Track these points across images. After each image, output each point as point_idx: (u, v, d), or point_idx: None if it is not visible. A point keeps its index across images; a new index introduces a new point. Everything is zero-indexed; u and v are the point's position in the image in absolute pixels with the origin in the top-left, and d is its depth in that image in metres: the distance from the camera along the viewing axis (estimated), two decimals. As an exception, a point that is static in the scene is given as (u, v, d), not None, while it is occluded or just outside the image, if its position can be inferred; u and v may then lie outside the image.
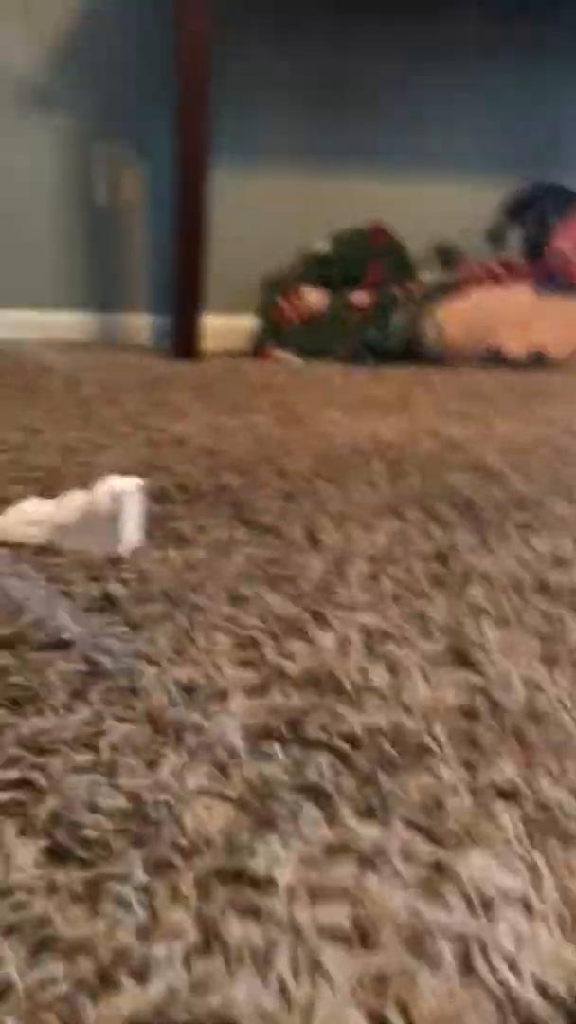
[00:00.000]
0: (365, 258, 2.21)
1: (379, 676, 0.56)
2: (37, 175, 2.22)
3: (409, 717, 0.51)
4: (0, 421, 1.29)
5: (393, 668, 0.57)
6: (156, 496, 0.93)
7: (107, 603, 0.66)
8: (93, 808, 0.41)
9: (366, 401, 1.59)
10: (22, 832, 0.40)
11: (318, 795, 0.43)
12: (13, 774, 0.44)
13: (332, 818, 0.41)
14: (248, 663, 0.57)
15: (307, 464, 1.10)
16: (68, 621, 0.62)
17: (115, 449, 1.14)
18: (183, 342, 2.08)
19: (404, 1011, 0.31)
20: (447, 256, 2.25)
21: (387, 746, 0.48)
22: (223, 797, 0.43)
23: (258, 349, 2.19)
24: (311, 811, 0.42)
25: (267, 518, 0.88)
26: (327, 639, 0.61)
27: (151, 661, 0.57)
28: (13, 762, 0.45)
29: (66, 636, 0.60)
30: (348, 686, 0.54)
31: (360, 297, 2.16)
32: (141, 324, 2.38)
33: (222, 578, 0.72)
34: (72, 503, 0.79)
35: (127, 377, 1.77)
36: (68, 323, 2.33)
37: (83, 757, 0.46)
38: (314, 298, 2.18)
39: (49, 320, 2.32)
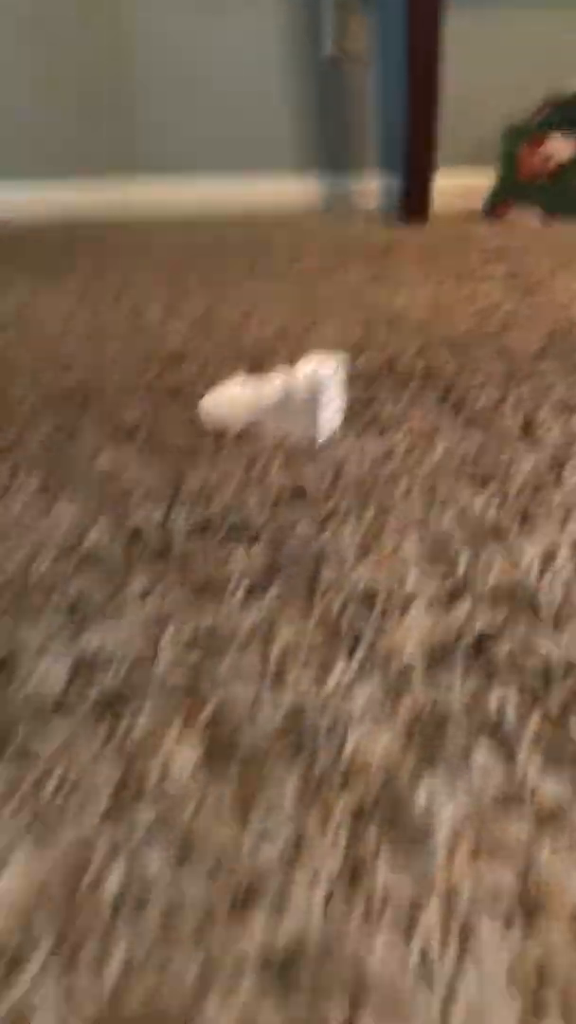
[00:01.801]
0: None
1: (586, 599, 0.49)
2: (262, 27, 2.11)
3: (616, 652, 0.44)
4: (220, 298, 1.28)
5: (604, 590, 0.50)
6: (362, 377, 0.88)
7: (297, 496, 0.63)
8: (253, 720, 0.40)
9: (612, 269, 1.40)
10: (180, 739, 0.39)
11: (497, 734, 0.39)
12: (183, 671, 0.43)
13: (510, 764, 0.37)
14: (436, 572, 0.52)
15: (534, 342, 0.99)
16: (256, 512, 0.60)
17: (328, 328, 1.09)
18: (412, 204, 1.94)
19: (569, 1007, 0.27)
20: None
21: (585, 684, 0.42)
22: (390, 723, 0.39)
23: (493, 208, 2.00)
24: (486, 752, 0.38)
25: (479, 405, 0.80)
26: (530, 551, 0.55)
27: (333, 560, 0.54)
28: (185, 653, 0.44)
29: (252, 529, 0.58)
30: (547, 609, 0.48)
31: (617, 145, 1.89)
32: (368, 186, 2.25)
33: (420, 473, 0.66)
34: (273, 385, 0.76)
35: (349, 247, 1.68)
36: (296, 189, 2.26)
37: (251, 660, 0.44)
38: (562, 147, 1.93)
39: (275, 186, 2.25)
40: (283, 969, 0.28)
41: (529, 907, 0.30)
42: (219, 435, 0.75)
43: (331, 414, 0.75)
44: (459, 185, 2.15)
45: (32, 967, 0.28)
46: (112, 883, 0.31)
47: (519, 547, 0.55)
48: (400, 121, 2.16)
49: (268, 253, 1.64)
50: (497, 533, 0.57)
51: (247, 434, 0.75)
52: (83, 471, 0.68)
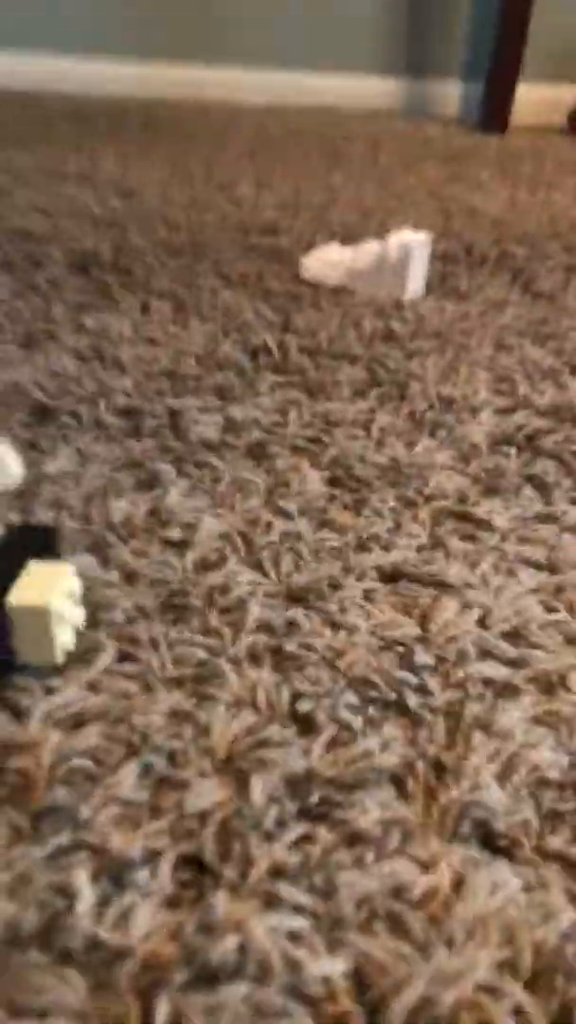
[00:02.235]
0: None
1: (617, 420, 0.63)
2: None
3: None
4: (305, 183, 1.38)
5: (632, 417, 0.64)
6: (442, 257, 1.00)
7: (388, 336, 0.77)
8: (362, 460, 0.55)
9: None
10: (313, 465, 0.54)
11: (539, 484, 0.53)
12: (309, 432, 0.58)
13: (546, 500, 0.52)
14: (501, 392, 0.66)
15: (597, 245, 1.10)
16: (354, 344, 0.74)
17: (409, 214, 1.20)
18: (493, 113, 2.00)
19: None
20: None
21: (608, 466, 0.56)
22: (461, 472, 0.54)
23: (574, 123, 2.05)
24: (530, 492, 0.52)
25: (545, 286, 0.92)
26: (575, 386, 0.68)
27: (419, 379, 0.68)
28: (308, 425, 0.59)
29: (352, 355, 0.72)
30: (586, 422, 0.62)
31: None
32: (449, 92, 2.29)
33: (491, 328, 0.80)
34: (367, 251, 0.89)
35: (428, 147, 1.76)
36: (376, 89, 2.30)
37: (357, 432, 0.59)
38: None
39: (357, 85, 2.30)
40: (392, 576, 0.43)
41: (552, 565, 0.45)
42: (317, 289, 0.88)
43: (416, 280, 0.87)
44: (541, 98, 2.19)
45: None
46: (272, 534, 0.46)
47: (567, 383, 0.68)
48: (489, 30, 2.18)
49: (349, 146, 1.73)
50: (551, 374, 0.70)
51: (342, 291, 0.88)
52: (208, 303, 0.82)
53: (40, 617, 0.35)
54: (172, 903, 0.27)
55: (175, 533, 0.46)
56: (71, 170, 1.38)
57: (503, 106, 1.99)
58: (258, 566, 0.44)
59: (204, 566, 0.44)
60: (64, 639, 0.36)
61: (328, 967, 0.26)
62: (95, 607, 0.40)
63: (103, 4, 2.19)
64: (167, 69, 2.27)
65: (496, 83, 1.97)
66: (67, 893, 0.27)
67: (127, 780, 0.31)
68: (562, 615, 0.42)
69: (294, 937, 0.26)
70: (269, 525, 0.47)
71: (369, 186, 1.37)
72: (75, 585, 0.37)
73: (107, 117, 1.98)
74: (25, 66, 2.19)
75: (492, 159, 1.68)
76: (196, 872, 0.28)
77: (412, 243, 0.85)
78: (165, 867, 0.28)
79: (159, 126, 1.88)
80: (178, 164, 1.47)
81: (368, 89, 2.31)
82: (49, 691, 0.35)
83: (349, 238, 1.07)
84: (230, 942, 0.26)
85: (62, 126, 1.78)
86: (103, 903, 0.27)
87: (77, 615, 0.38)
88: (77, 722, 0.34)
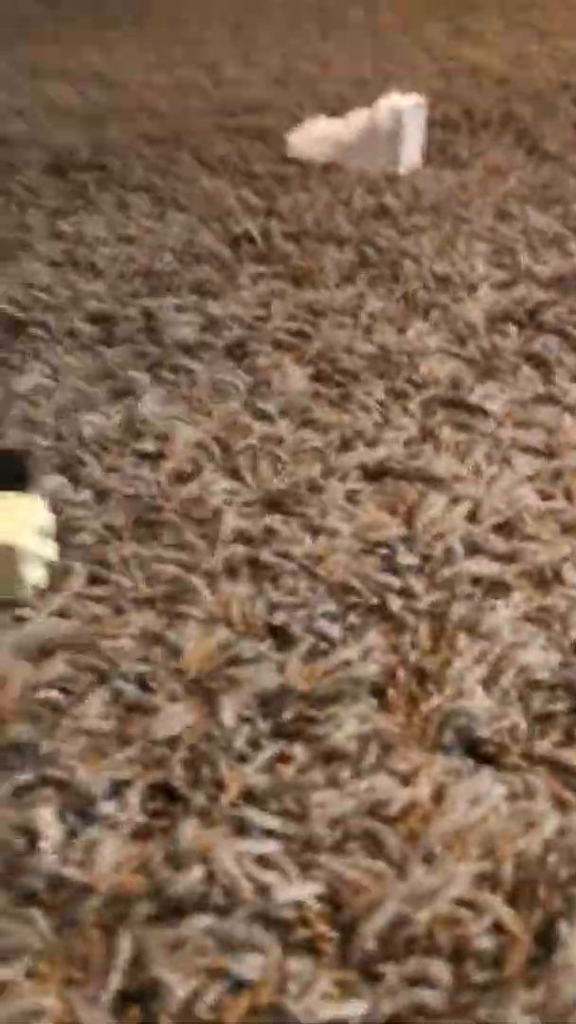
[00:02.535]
0: None
1: (628, 286, 0.58)
2: None
3: None
4: (296, 54, 1.28)
5: None
6: (440, 123, 0.92)
7: (381, 213, 0.72)
8: (349, 351, 0.51)
9: None
10: (296, 361, 0.51)
11: (539, 363, 0.50)
12: (292, 325, 0.54)
13: (547, 379, 0.48)
14: (501, 265, 0.61)
15: (611, 93, 1.01)
16: (344, 225, 0.69)
17: (406, 80, 1.11)
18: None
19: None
20: None
21: (616, 337, 0.52)
22: (456, 355, 0.50)
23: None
24: (530, 371, 0.49)
25: (552, 146, 0.85)
26: (584, 253, 0.63)
27: (413, 258, 0.63)
28: (292, 318, 0.55)
29: (341, 236, 0.67)
30: (593, 291, 0.58)
31: None
32: None
33: (492, 196, 0.74)
34: (355, 122, 0.82)
35: (431, 1, 1.62)
36: None
37: (345, 320, 0.55)
38: None
39: None
40: (377, 475, 0.41)
41: (552, 454, 0.42)
42: (305, 167, 0.82)
43: (411, 149, 0.81)
44: None
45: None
46: (251, 438, 0.43)
47: (573, 250, 0.63)
48: None
49: (345, 9, 1.59)
50: (556, 241, 0.65)
51: (331, 167, 0.82)
52: (186, 192, 0.77)
53: (8, 556, 0.33)
54: (141, 834, 0.26)
55: (149, 445, 0.44)
56: (51, 66, 1.29)
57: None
58: (235, 474, 0.42)
59: (179, 478, 0.41)
60: (35, 576, 0.35)
61: (299, 891, 0.24)
62: (65, 530, 0.38)
63: None
64: None
65: None
66: (30, 832, 0.26)
67: (94, 709, 0.30)
68: (559, 502, 0.39)
69: (264, 862, 0.25)
70: (248, 429, 0.45)
71: (365, 52, 1.27)
72: (47, 519, 0.36)
73: (87, 3, 1.85)
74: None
75: (500, 10, 1.54)
76: (166, 801, 0.27)
77: (404, 108, 0.78)
78: (133, 797, 0.27)
79: (144, 6, 1.75)
80: (163, 47, 1.37)
81: None
82: (17, 620, 0.34)
83: (340, 109, 0.99)
84: (196, 872, 0.25)
85: (37, 17, 1.67)
86: (69, 838, 0.26)
87: (49, 550, 0.36)
88: (45, 651, 0.33)
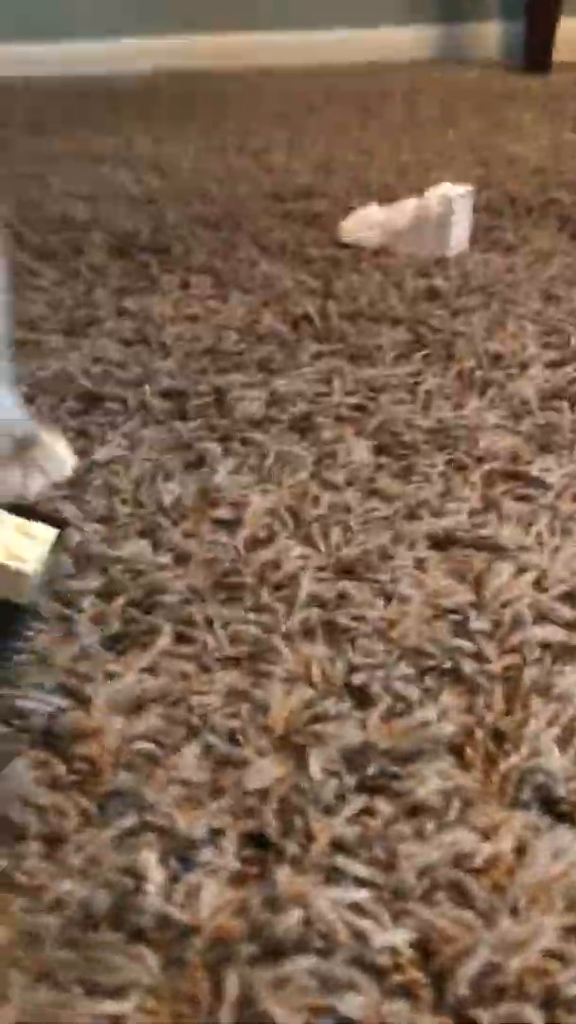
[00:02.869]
0: None
1: None
2: None
3: None
4: (339, 143, 1.36)
5: None
6: (484, 209, 0.97)
7: (432, 295, 0.75)
8: (409, 425, 0.54)
9: None
10: (358, 434, 0.54)
11: (594, 438, 0.52)
12: (353, 400, 0.57)
13: (602, 454, 0.50)
14: (551, 345, 0.64)
15: None
16: (397, 305, 0.73)
17: (448, 170, 1.17)
18: (535, 52, 1.93)
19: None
20: None
21: None
22: (513, 431, 0.53)
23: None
24: (585, 446, 0.51)
25: (593, 231, 0.89)
26: (631, 333, 0.66)
27: (466, 337, 0.66)
28: (352, 393, 0.58)
29: (395, 316, 0.71)
30: None
31: None
32: (489, 33, 2.20)
33: (538, 280, 0.77)
34: (405, 209, 0.87)
35: (468, 95, 1.71)
36: (409, 39, 2.23)
37: (403, 395, 0.58)
38: None
39: (389, 36, 2.24)
40: (444, 543, 0.43)
41: (611, 520, 0.44)
42: (357, 252, 0.87)
43: (460, 234, 0.85)
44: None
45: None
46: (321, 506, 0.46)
47: (621, 332, 0.66)
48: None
49: (385, 101, 1.68)
50: (603, 323, 0.68)
51: (382, 252, 0.86)
52: (247, 275, 0.81)
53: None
54: (237, 880, 0.28)
55: (224, 512, 0.46)
56: (106, 152, 1.38)
57: (545, 44, 1.91)
58: (308, 540, 0.44)
59: (254, 543, 0.44)
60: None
61: (392, 937, 0.26)
62: (149, 591, 0.41)
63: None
64: (196, 39, 2.24)
65: (537, 21, 1.90)
66: (136, 874, 0.28)
67: (188, 761, 0.32)
68: (621, 573, 0.41)
69: (357, 909, 0.27)
70: (317, 498, 0.47)
71: (406, 142, 1.34)
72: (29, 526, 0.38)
73: (138, 95, 1.97)
74: (49, 52, 2.19)
75: (535, 101, 1.62)
76: (259, 848, 0.29)
77: (453, 196, 0.83)
78: (228, 845, 0.29)
79: (191, 99, 1.86)
80: (211, 136, 1.45)
81: (405, 38, 2.24)
82: (110, 676, 0.36)
83: (387, 197, 1.04)
84: (294, 916, 0.26)
85: (94, 108, 1.78)
86: (171, 882, 0.28)
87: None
88: (137, 705, 0.35)
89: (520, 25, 2.12)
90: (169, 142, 1.41)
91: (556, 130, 1.36)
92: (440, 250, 0.84)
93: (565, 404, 0.56)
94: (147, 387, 0.60)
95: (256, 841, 0.29)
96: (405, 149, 1.29)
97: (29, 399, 0.59)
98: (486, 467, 0.49)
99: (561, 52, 2.06)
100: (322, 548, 0.43)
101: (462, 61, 2.19)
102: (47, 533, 0.38)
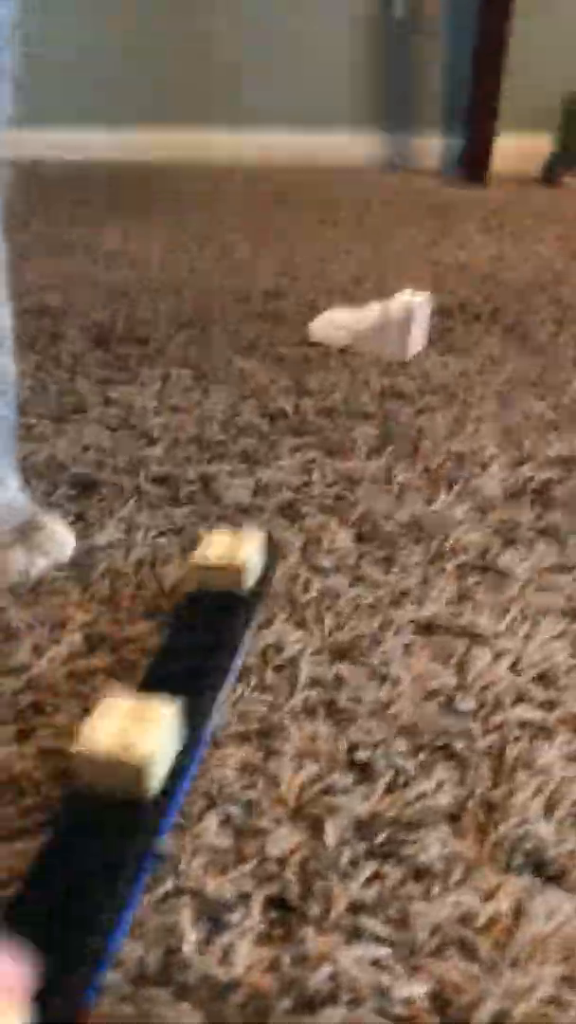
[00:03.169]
0: None
1: (619, 468, 0.68)
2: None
3: None
4: (300, 246, 1.45)
5: (632, 464, 0.68)
6: (438, 314, 1.05)
7: (397, 394, 0.82)
8: (387, 516, 0.59)
9: None
10: (341, 523, 0.58)
11: (552, 535, 0.57)
12: (333, 490, 0.62)
13: (561, 550, 0.56)
14: (509, 446, 0.71)
15: (583, 294, 1.16)
16: (367, 403, 0.79)
17: (402, 275, 1.26)
18: (473, 165, 2.09)
19: None
20: None
21: (615, 514, 0.60)
22: (481, 527, 0.58)
23: (551, 173, 2.14)
24: (545, 543, 0.56)
25: (538, 339, 0.97)
26: (578, 437, 0.73)
27: (430, 435, 0.72)
28: (333, 484, 0.63)
29: (366, 413, 0.76)
30: (590, 471, 0.67)
31: None
32: (430, 145, 2.38)
33: (492, 383, 0.84)
34: (370, 313, 0.94)
35: (413, 204, 1.84)
36: (357, 144, 2.40)
37: (379, 489, 0.63)
38: (618, 121, 2.06)
39: (339, 141, 2.39)
40: (427, 629, 0.47)
41: (574, 616, 0.49)
42: (325, 351, 0.93)
43: (417, 338, 0.92)
44: (520, 147, 2.28)
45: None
46: (312, 591, 0.50)
47: (571, 437, 0.73)
48: (465, 83, 2.28)
49: (337, 207, 1.80)
50: (554, 426, 0.75)
51: (347, 352, 0.93)
52: (224, 370, 0.86)
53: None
54: (264, 940, 0.31)
55: (222, 596, 0.50)
56: (74, 241, 1.44)
57: (483, 158, 2.08)
58: (303, 624, 0.48)
59: (256, 626, 0.47)
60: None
61: (411, 989, 0.29)
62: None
63: (88, 70, 2.29)
64: (155, 134, 2.36)
65: (475, 136, 2.06)
66: (176, 934, 0.30)
67: (211, 828, 0.35)
68: (586, 658, 0.46)
69: (378, 964, 0.30)
70: (308, 583, 0.51)
71: (361, 246, 1.44)
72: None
73: (101, 186, 2.06)
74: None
75: (476, 212, 1.75)
76: (282, 911, 0.32)
77: (414, 304, 0.90)
78: (255, 908, 0.31)
79: (152, 192, 1.96)
80: (175, 231, 1.53)
81: (352, 145, 2.40)
82: (127, 751, 0.39)
83: (347, 298, 1.12)
84: (324, 972, 0.29)
85: (58, 198, 1.85)
86: (206, 942, 0.30)
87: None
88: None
89: (460, 139, 2.30)
90: (134, 235, 1.49)
91: (497, 241, 1.48)
92: (401, 353, 0.91)
93: (526, 501, 0.61)
94: (142, 473, 0.64)
95: (279, 904, 0.32)
96: (361, 253, 1.39)
97: (25, 482, 0.62)
98: (458, 560, 0.54)
99: (497, 165, 2.24)
100: (316, 632, 0.47)
101: (406, 169, 2.35)
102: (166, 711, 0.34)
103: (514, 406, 0.79)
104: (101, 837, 0.30)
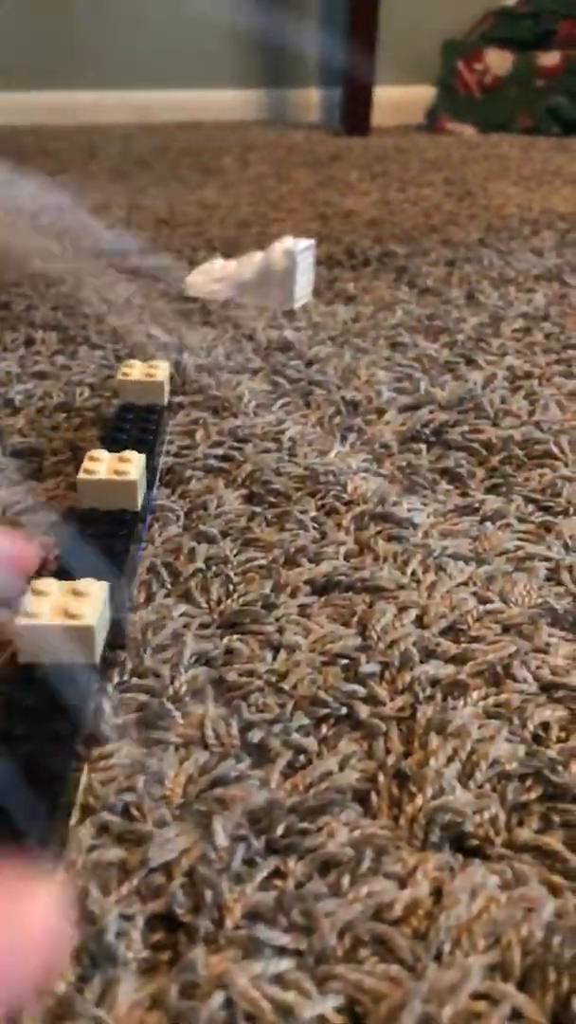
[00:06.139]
0: (560, 13, 2.02)
1: (518, 403, 0.65)
2: None
3: (540, 431, 0.60)
4: (178, 199, 1.37)
5: (532, 398, 0.66)
6: (325, 262, 1.01)
7: (284, 347, 0.77)
8: (279, 472, 0.54)
9: (544, 174, 1.54)
10: (228, 485, 0.53)
11: (453, 476, 0.54)
12: (219, 451, 0.57)
13: (463, 492, 0.52)
14: (403, 390, 0.67)
15: (473, 235, 1.13)
16: (253, 357, 0.74)
17: (287, 223, 1.21)
18: (354, 117, 2.04)
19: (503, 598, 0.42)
20: None
21: (517, 450, 0.57)
22: (377, 473, 0.54)
23: (433, 122, 2.11)
24: (446, 485, 0.53)
25: (429, 281, 0.94)
26: (475, 376, 0.70)
27: (322, 385, 0.68)
28: (218, 444, 0.58)
29: (253, 367, 0.71)
30: (489, 410, 0.63)
31: (550, 59, 2.00)
32: (310, 99, 2.32)
33: (384, 328, 0.80)
34: (251, 262, 0.88)
35: (296, 154, 1.78)
36: (236, 101, 2.31)
37: (268, 445, 0.58)
38: (497, 61, 2.04)
39: (217, 98, 2.31)
40: (324, 588, 0.43)
41: (480, 557, 0.45)
42: (205, 305, 0.87)
43: (304, 286, 0.88)
44: (401, 98, 2.24)
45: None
46: (198, 560, 0.45)
47: (466, 375, 0.70)
48: (341, 36, 2.22)
49: (218, 158, 1.73)
50: (449, 367, 0.72)
51: (229, 304, 0.88)
52: (95, 330, 0.80)
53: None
54: (150, 968, 0.26)
55: (97, 573, 0.44)
56: None
57: (363, 110, 2.03)
58: (188, 596, 0.43)
59: (133, 604, 0.42)
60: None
61: (322, 1006, 0.25)
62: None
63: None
64: (26, 96, 2.22)
65: (354, 88, 2.01)
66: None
67: (85, 842, 0.30)
68: (496, 604, 0.42)
69: (280, 981, 0.25)
70: (192, 552, 0.46)
71: (243, 197, 1.38)
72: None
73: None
74: None
75: (358, 161, 1.71)
76: (169, 930, 0.27)
77: (297, 250, 0.85)
78: (136, 931, 0.27)
79: (25, 154, 1.84)
80: (45, 193, 1.43)
81: (231, 102, 2.31)
82: (-14, 760, 0.33)
83: (230, 251, 1.06)
84: (216, 999, 0.25)
85: None
86: (82, 979, 0.25)
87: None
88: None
89: (338, 91, 2.24)
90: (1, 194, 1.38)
91: (383, 187, 1.44)
92: (286, 303, 0.86)
93: (423, 447, 0.58)
94: (1, 445, 0.58)
95: (167, 920, 0.27)
96: (244, 203, 1.32)
97: None
98: (356, 510, 0.50)
99: (377, 117, 2.20)
100: (203, 604, 0.42)
101: (287, 123, 2.28)
102: (98, 588, 0.36)
103: (407, 350, 0.75)
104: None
